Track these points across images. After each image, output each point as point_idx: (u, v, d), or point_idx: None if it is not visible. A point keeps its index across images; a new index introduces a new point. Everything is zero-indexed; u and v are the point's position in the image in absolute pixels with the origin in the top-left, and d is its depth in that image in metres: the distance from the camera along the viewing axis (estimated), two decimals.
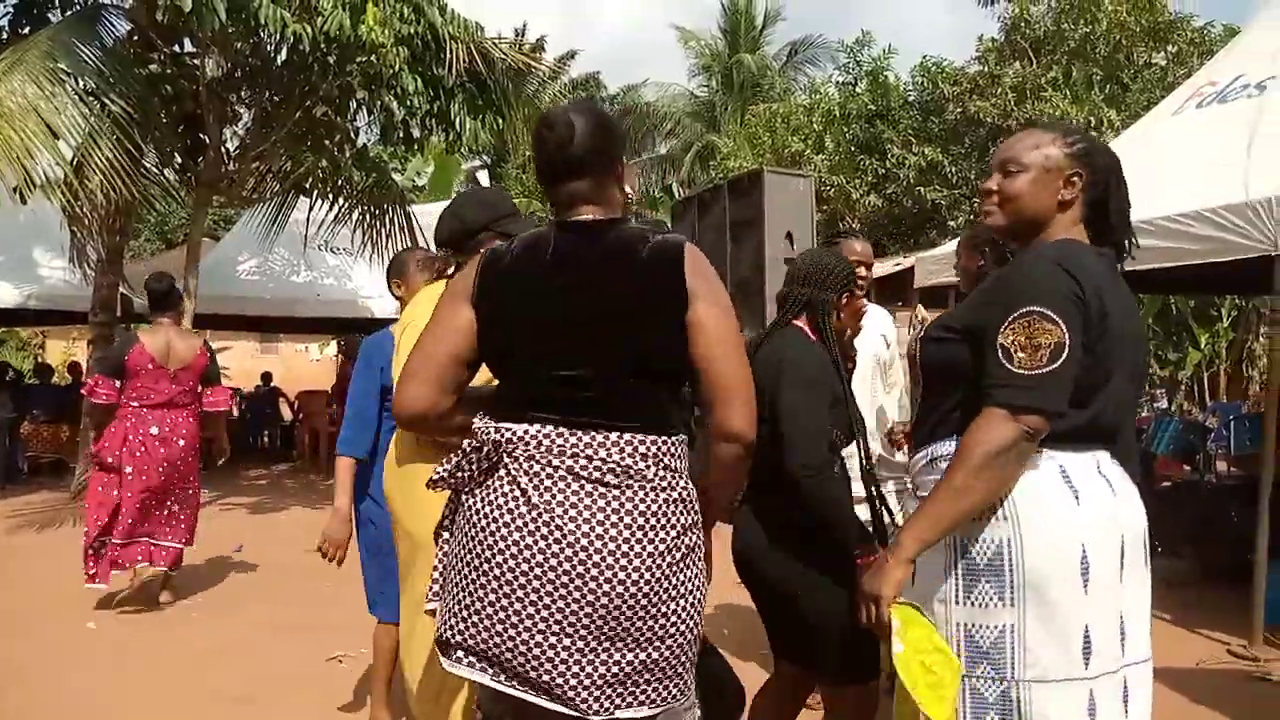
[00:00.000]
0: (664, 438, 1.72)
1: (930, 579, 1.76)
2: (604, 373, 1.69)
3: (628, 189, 1.87)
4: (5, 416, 10.22)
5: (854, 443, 2.48)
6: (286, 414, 13.92)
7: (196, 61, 8.33)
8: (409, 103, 8.16)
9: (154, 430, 5.10)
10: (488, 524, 1.69)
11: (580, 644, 1.64)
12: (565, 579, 1.64)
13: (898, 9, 69.75)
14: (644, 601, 1.66)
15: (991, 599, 1.67)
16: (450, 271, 2.63)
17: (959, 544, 1.72)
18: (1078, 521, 1.66)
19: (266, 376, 14.43)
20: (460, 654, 1.73)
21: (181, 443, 5.20)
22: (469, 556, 1.71)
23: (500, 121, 8.96)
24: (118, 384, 5.05)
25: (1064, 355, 1.62)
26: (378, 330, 3.11)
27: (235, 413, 13.73)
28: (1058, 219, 1.82)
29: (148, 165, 8.92)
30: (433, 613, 1.84)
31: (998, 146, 1.98)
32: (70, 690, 3.89)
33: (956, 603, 1.71)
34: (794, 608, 2.38)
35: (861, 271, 3.49)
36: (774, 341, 2.49)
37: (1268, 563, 4.54)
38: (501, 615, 1.66)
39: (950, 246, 6.89)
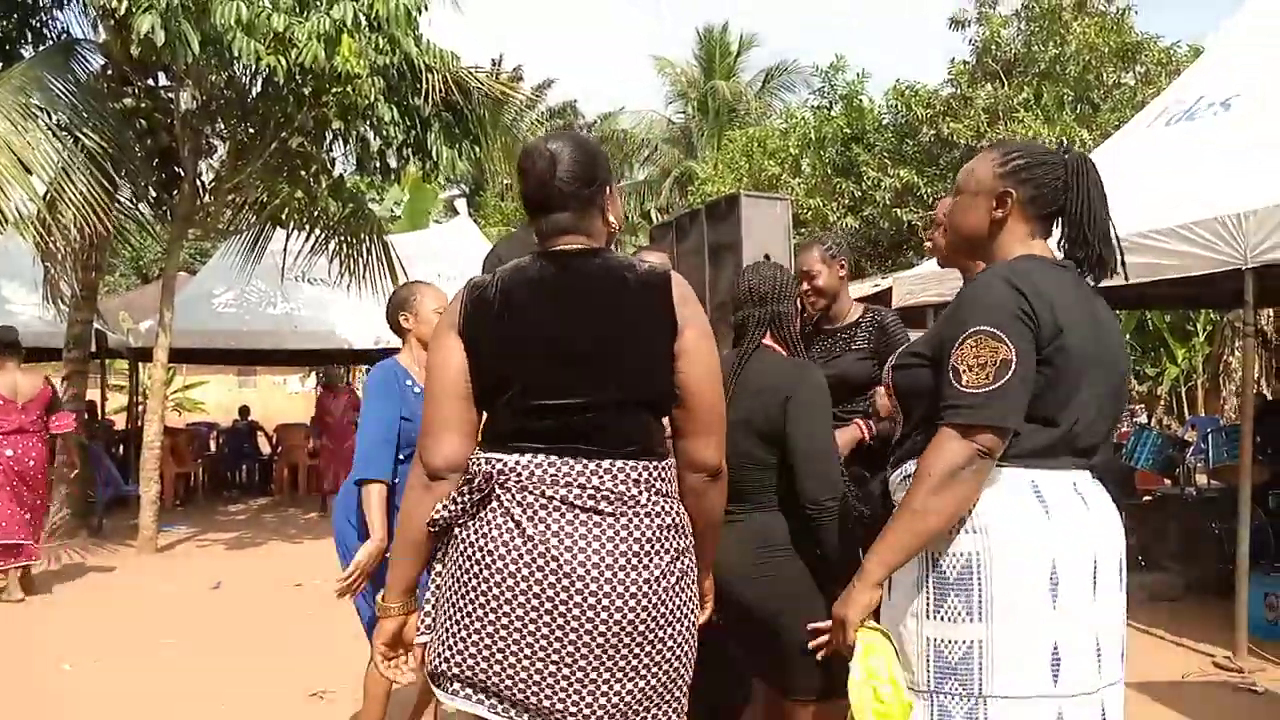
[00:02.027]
0: (655, 463, 1.73)
1: (903, 593, 1.75)
2: (593, 401, 1.69)
3: (611, 218, 1.85)
4: None
5: None
6: (265, 448, 13.78)
7: (171, 95, 8.31)
8: (385, 132, 8.15)
9: (9, 453, 6.23)
10: (481, 555, 1.68)
11: (580, 674, 1.64)
12: (563, 608, 1.63)
13: (873, 34, 70.71)
14: (642, 629, 1.65)
15: (960, 613, 1.67)
16: None
17: (930, 558, 1.71)
18: (1048, 536, 1.66)
19: (244, 410, 14.29)
20: (456, 686, 1.71)
21: (32, 462, 6.37)
22: (463, 589, 1.70)
23: (477, 150, 8.96)
24: None
25: (1010, 372, 1.62)
26: (368, 359, 3.13)
27: (213, 447, 13.61)
28: (1002, 238, 1.81)
29: (122, 199, 8.86)
30: (423, 645, 1.81)
31: None
32: None
33: (927, 617, 1.70)
34: (773, 627, 2.36)
35: (805, 288, 3.49)
36: (761, 367, 2.47)
37: (1249, 574, 4.56)
38: (500, 646, 1.65)
39: (927, 267, 6.94)
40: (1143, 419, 13.72)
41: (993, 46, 14.28)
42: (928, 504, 1.65)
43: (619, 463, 1.69)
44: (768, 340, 2.54)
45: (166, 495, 9.74)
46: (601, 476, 1.67)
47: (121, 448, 11.86)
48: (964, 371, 1.65)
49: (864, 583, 1.73)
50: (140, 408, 11.04)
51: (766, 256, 4.58)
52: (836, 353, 3.22)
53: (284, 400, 22.33)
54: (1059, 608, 1.64)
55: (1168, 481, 7.06)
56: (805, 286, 3.18)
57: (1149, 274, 4.66)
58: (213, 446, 13.67)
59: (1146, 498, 6.98)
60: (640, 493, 1.69)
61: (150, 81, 8.47)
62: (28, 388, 6.41)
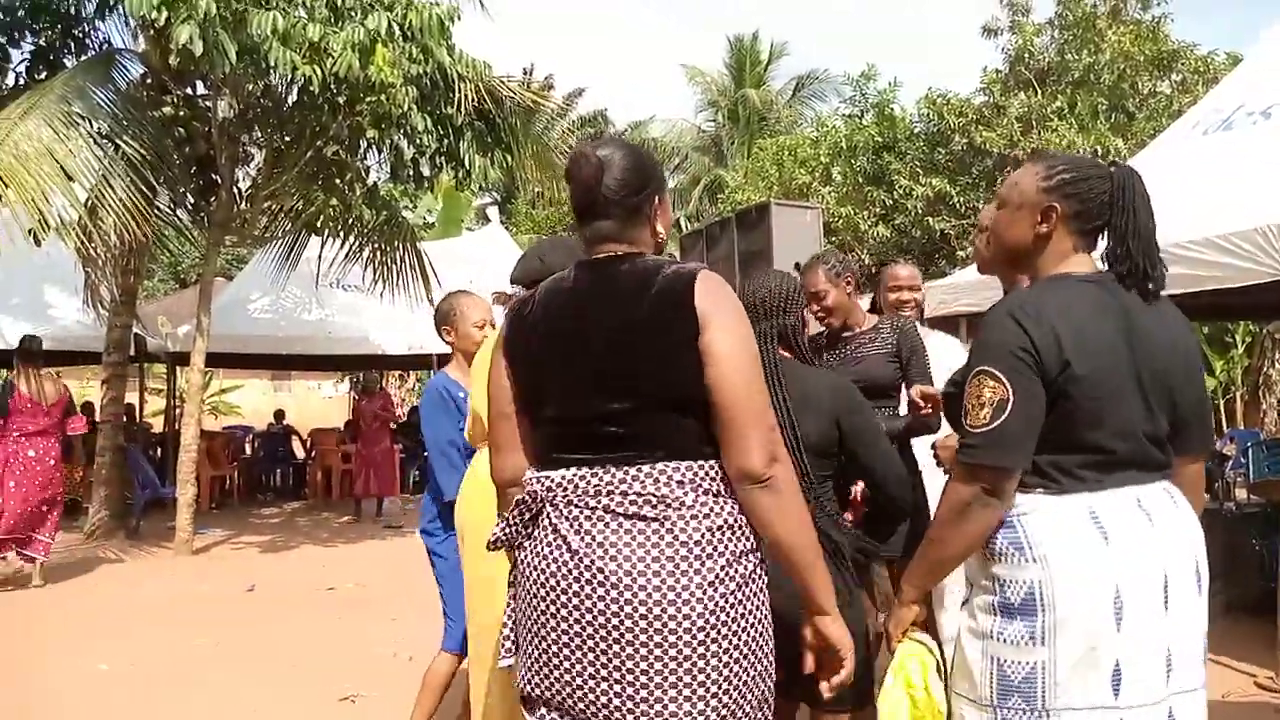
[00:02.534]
0: (700, 463, 1.65)
1: (970, 615, 1.81)
2: (628, 406, 1.64)
3: (660, 228, 1.80)
4: None
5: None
6: (299, 452, 13.93)
7: (209, 104, 8.45)
8: (419, 141, 8.26)
9: (31, 453, 6.77)
10: (537, 575, 1.67)
11: (644, 691, 1.56)
12: (615, 621, 1.57)
13: (903, 42, 70.37)
14: (703, 637, 1.56)
15: (1024, 638, 1.69)
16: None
17: (998, 585, 1.74)
18: (1109, 562, 1.66)
19: (279, 415, 14.47)
20: (542, 710, 1.69)
21: (52, 462, 6.91)
22: (531, 610, 1.68)
23: (509, 159, 9.04)
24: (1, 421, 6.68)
25: (1007, 411, 1.66)
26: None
27: (248, 450, 13.78)
28: (1045, 252, 1.82)
29: (161, 206, 9.05)
30: (509, 668, 1.82)
31: (1006, 176, 1.99)
32: None
33: (992, 638, 1.73)
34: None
35: (905, 296, 3.53)
36: (795, 378, 2.47)
37: None
38: (566, 665, 1.62)
39: (960, 276, 6.89)
40: None
41: (1026, 55, 14.16)
42: (944, 536, 1.77)
43: (659, 465, 1.62)
44: (784, 352, 2.54)
45: (202, 498, 9.90)
46: (643, 481, 1.62)
47: (159, 450, 12.06)
48: (970, 410, 1.71)
49: (901, 601, 1.89)
50: (177, 411, 11.21)
51: (796, 266, 4.61)
52: (860, 356, 3.22)
53: (318, 405, 22.57)
54: (1124, 631, 1.66)
55: (1206, 496, 6.94)
56: (815, 308, 3.19)
57: (1187, 285, 4.59)
58: (248, 450, 13.86)
59: None
60: (686, 493, 1.62)
61: (189, 90, 8.63)
62: (52, 392, 6.92)
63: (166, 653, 5.08)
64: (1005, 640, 1.70)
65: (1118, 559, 1.67)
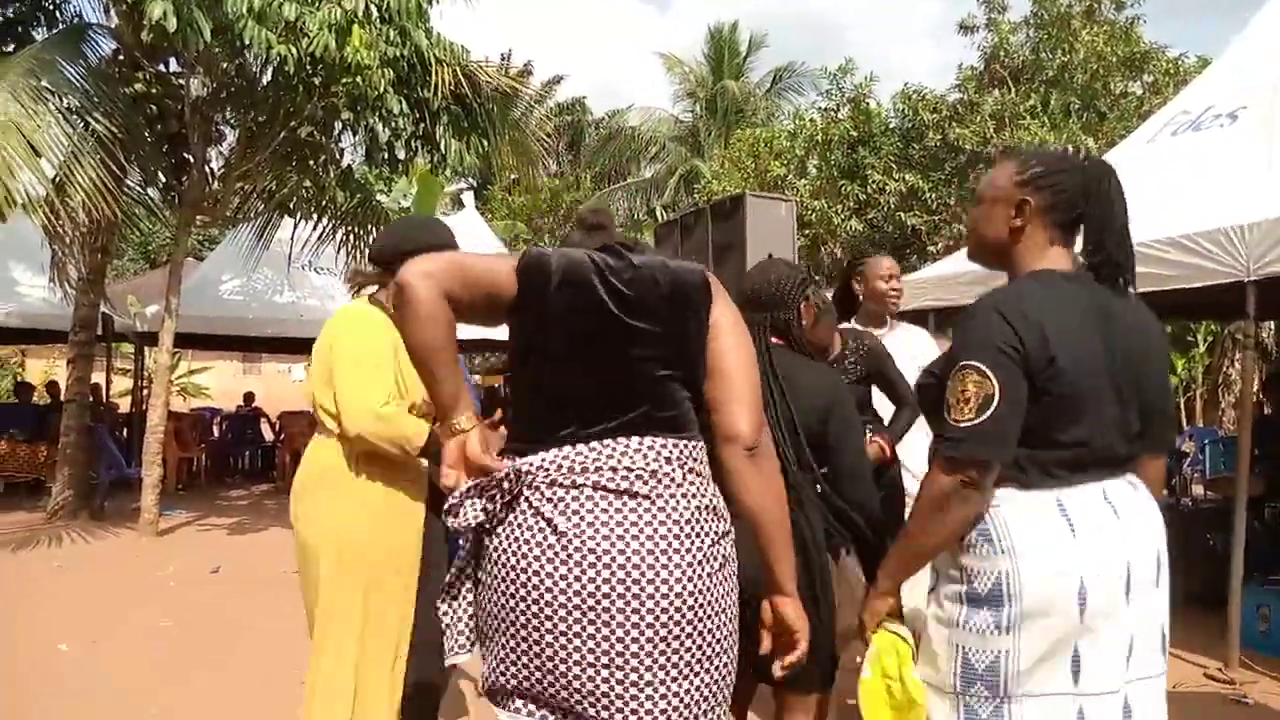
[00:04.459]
0: (688, 441, 1.68)
1: (939, 604, 1.83)
2: (625, 379, 1.67)
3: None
4: None
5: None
6: (268, 434, 13.82)
7: (181, 81, 8.33)
8: (394, 124, 8.19)
9: None
10: (516, 561, 1.61)
11: (634, 674, 1.56)
12: (605, 603, 1.56)
13: (880, 38, 70.56)
14: (690, 616, 1.59)
15: (990, 627, 1.72)
16: (376, 290, 2.71)
17: (965, 575, 1.77)
18: (1075, 554, 1.70)
19: (249, 397, 14.33)
20: (517, 702, 1.66)
21: None
22: (505, 599, 1.63)
23: (485, 144, 8.98)
24: None
25: (993, 407, 1.66)
26: None
27: (216, 432, 13.65)
28: (1022, 247, 1.84)
29: (131, 184, 8.92)
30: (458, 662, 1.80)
31: (978, 173, 2.03)
32: (39, 714, 3.84)
33: (958, 627, 1.76)
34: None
35: (896, 285, 3.60)
36: (790, 366, 2.49)
37: (1243, 586, 4.58)
38: (549, 653, 1.59)
39: (929, 271, 6.96)
40: None
41: (1001, 53, 14.27)
42: (922, 529, 1.79)
43: (649, 439, 1.64)
44: (777, 340, 2.57)
45: (169, 479, 9.80)
46: (633, 455, 1.62)
47: (125, 431, 11.91)
48: (954, 405, 1.71)
49: (876, 592, 1.92)
50: (145, 392, 11.08)
51: (769, 258, 4.63)
52: None
53: (289, 388, 22.36)
54: (1086, 621, 1.69)
55: (1164, 492, 7.08)
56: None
57: (1151, 284, 4.67)
58: (216, 432, 13.72)
59: None
60: (674, 470, 1.64)
61: (161, 67, 8.50)
62: None
63: (128, 634, 5.05)
64: (971, 629, 1.74)
65: (1083, 551, 1.70)
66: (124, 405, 13.49)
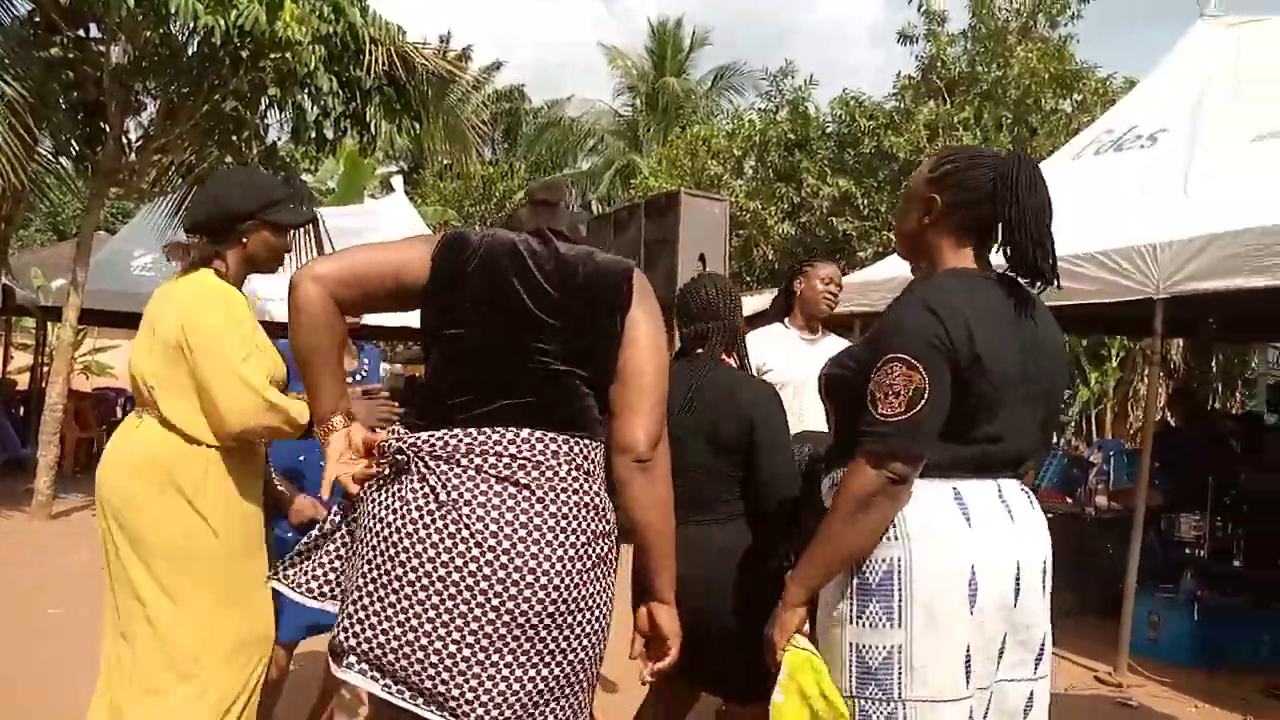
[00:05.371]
0: (581, 440, 1.69)
1: (829, 599, 1.77)
2: (521, 369, 1.67)
3: None
4: None
5: None
6: None
7: (101, 48, 7.98)
8: (323, 103, 7.98)
9: None
10: (392, 519, 1.61)
11: (485, 655, 1.56)
12: (472, 579, 1.56)
13: (824, 43, 71.57)
14: (553, 608, 1.60)
15: (881, 619, 1.68)
16: (212, 262, 2.40)
17: (856, 564, 1.73)
18: (968, 544, 1.68)
19: None
20: (353, 660, 1.62)
21: None
22: (371, 555, 1.62)
23: (418, 127, 8.82)
24: None
25: (922, 401, 1.63)
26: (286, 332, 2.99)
27: (119, 413, 13.16)
28: (933, 244, 1.83)
29: (42, 151, 8.51)
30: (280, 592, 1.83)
31: (909, 181, 2.02)
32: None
33: (850, 622, 1.72)
34: (722, 632, 2.33)
35: (830, 288, 3.63)
36: (719, 378, 2.48)
37: (1136, 594, 4.74)
38: (403, 620, 1.57)
39: (856, 277, 7.06)
40: (1052, 439, 14.17)
41: (938, 64, 14.54)
42: (844, 529, 1.69)
43: (538, 433, 1.65)
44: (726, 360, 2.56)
45: (66, 460, 9.42)
46: (519, 445, 1.63)
47: (22, 409, 11.41)
48: (880, 399, 1.66)
49: (786, 604, 1.76)
50: (45, 369, 10.62)
51: (701, 257, 4.62)
52: None
53: None
54: (976, 614, 1.67)
55: (1070, 501, 7.30)
56: None
57: (1066, 298, 4.80)
58: (119, 413, 13.21)
59: (1048, 516, 7.20)
60: (559, 464, 1.65)
61: (80, 32, 8.11)
62: None
63: (15, 621, 4.84)
64: (864, 623, 1.70)
65: (978, 542, 1.69)
66: (22, 382, 12.93)
